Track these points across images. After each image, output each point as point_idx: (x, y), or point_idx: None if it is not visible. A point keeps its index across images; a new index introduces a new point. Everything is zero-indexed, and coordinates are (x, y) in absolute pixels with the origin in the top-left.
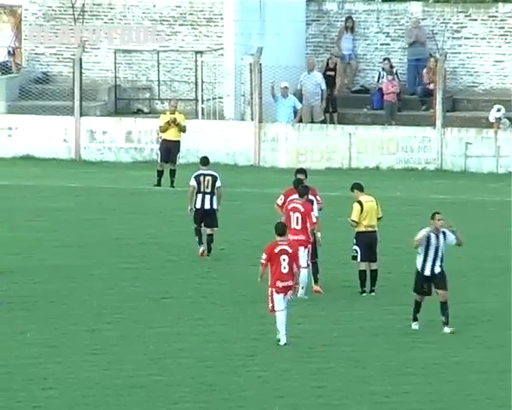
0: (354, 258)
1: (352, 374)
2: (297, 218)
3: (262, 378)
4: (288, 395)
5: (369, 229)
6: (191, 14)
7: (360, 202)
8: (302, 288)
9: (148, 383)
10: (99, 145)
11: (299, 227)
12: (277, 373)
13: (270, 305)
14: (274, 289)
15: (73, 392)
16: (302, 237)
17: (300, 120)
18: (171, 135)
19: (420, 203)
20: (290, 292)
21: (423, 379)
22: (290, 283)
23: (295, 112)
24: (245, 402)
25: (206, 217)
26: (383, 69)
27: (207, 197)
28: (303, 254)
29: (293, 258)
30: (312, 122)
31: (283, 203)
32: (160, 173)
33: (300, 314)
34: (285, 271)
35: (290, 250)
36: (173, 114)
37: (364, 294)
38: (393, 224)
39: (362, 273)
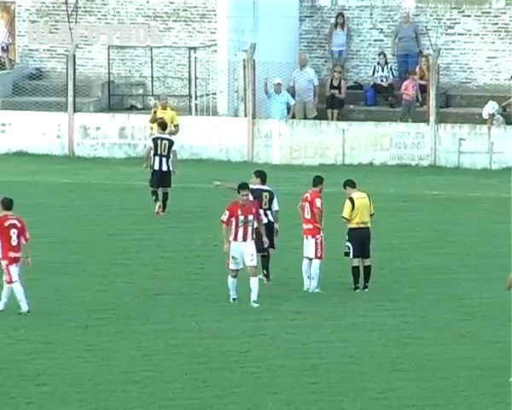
0: (347, 254)
1: (346, 370)
2: (307, 207)
3: (256, 375)
4: (281, 392)
5: (362, 225)
6: (184, 10)
7: (351, 199)
8: (312, 279)
9: (142, 380)
10: (92, 141)
11: (308, 216)
12: (271, 369)
13: (8, 276)
14: (7, 261)
15: (67, 388)
16: (310, 226)
17: (294, 117)
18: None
19: (413, 199)
20: (19, 263)
21: (417, 375)
22: (19, 254)
23: (289, 108)
24: (238, 399)
25: (162, 178)
26: (378, 63)
27: (164, 160)
28: (311, 244)
29: (22, 232)
30: (305, 118)
31: (228, 219)
32: None
33: (294, 310)
34: (14, 243)
35: (19, 224)
36: (165, 109)
37: (358, 290)
38: (387, 220)
39: (355, 270)
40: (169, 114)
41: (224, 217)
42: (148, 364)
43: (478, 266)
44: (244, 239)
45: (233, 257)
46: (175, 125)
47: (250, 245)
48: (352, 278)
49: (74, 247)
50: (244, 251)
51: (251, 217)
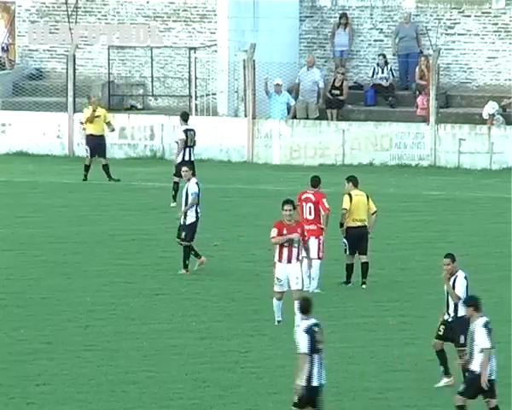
0: (345, 251)
1: (346, 370)
2: (309, 207)
3: (256, 375)
4: (281, 392)
5: (359, 223)
6: (185, 10)
7: (350, 195)
8: (313, 279)
9: (142, 380)
10: None
11: (311, 217)
12: (271, 370)
13: None
14: None
15: (67, 388)
16: (314, 227)
17: (294, 117)
18: (98, 130)
19: (413, 200)
20: None
21: (417, 375)
22: None
23: (289, 108)
24: (239, 399)
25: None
26: (378, 64)
27: (192, 150)
28: (314, 245)
29: None
30: (307, 119)
31: (278, 234)
32: (88, 168)
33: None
34: None
35: None
36: (95, 109)
37: (349, 284)
38: (387, 220)
39: (348, 266)
40: (102, 112)
41: (273, 233)
42: (149, 364)
43: (478, 266)
44: (289, 261)
45: (277, 279)
46: (107, 123)
47: (295, 267)
48: (345, 273)
49: (74, 247)
50: (289, 273)
51: (296, 238)
